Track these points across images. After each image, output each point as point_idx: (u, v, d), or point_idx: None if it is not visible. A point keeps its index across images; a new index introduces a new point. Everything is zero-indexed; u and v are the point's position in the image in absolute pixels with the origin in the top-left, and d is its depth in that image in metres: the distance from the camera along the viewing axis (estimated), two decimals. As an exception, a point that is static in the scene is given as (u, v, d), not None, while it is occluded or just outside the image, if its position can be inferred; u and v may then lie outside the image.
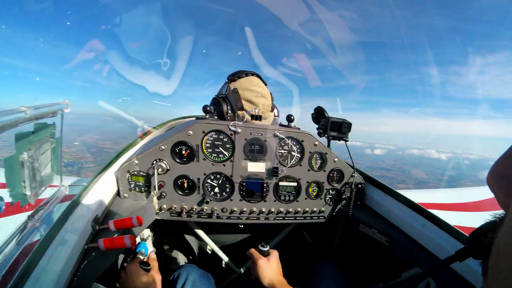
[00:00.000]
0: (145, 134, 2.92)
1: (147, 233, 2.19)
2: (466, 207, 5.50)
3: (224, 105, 2.14)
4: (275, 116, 2.33)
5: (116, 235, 1.52)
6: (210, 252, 2.70)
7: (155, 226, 2.66)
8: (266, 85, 2.30)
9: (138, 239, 2.04)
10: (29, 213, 1.26)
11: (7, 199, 1.01)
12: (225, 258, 2.61)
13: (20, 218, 1.22)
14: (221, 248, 2.64)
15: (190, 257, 3.01)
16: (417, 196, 5.53)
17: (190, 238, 2.96)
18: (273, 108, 2.31)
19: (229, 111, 2.16)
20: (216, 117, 2.14)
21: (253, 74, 2.29)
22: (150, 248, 2.13)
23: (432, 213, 1.92)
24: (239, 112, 2.14)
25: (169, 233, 3.03)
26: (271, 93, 2.28)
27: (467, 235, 1.66)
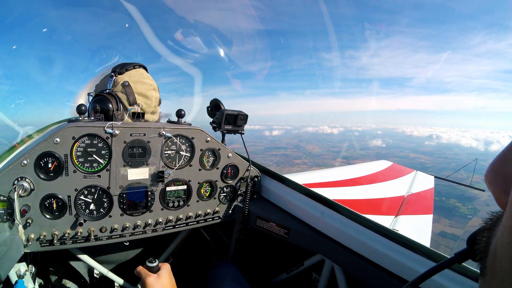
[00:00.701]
0: (21, 143, 2.50)
1: (23, 268, 1.84)
2: (360, 181, 6.03)
3: (112, 101, 1.89)
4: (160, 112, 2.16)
5: None
6: (98, 277, 2.43)
7: (33, 257, 2.25)
8: None
9: (14, 277, 1.73)
10: None
11: None
12: (118, 280, 2.37)
13: None
14: (112, 269, 2.38)
15: (82, 280, 2.66)
16: (311, 176, 5.84)
17: (77, 264, 2.60)
18: (160, 102, 2.15)
19: (120, 108, 1.91)
20: (92, 118, 1.84)
21: (140, 66, 2.10)
22: (30, 285, 1.84)
23: (331, 200, 1.92)
24: (132, 107, 1.92)
25: (53, 260, 2.59)
26: (157, 86, 2.12)
27: (364, 216, 1.73)
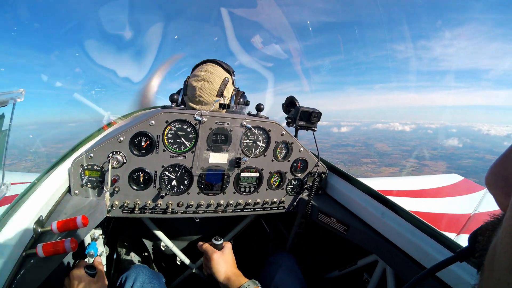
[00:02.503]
0: (109, 125, 2.83)
1: (98, 232, 2.12)
2: (425, 194, 5.74)
3: (184, 93, 2.14)
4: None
5: (59, 238, 1.43)
6: (164, 249, 2.67)
7: (108, 224, 2.58)
8: (230, 72, 2.24)
9: (88, 239, 1.98)
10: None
11: None
12: (179, 254, 2.58)
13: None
14: (176, 244, 2.60)
15: (145, 254, 2.98)
16: (380, 183, 5.72)
17: (144, 235, 2.91)
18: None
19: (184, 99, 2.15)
20: (182, 106, 2.08)
21: (211, 61, 2.26)
22: (100, 248, 2.09)
23: (392, 201, 1.95)
24: (186, 98, 2.13)
25: (122, 231, 2.95)
26: (228, 79, 2.19)
27: (426, 222, 1.72)
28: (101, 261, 1.81)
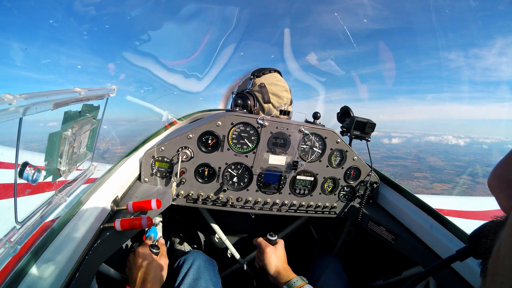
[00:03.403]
0: (171, 124, 3.06)
1: (158, 218, 2.28)
2: (478, 216, 5.44)
3: (250, 99, 2.26)
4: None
5: (132, 216, 1.57)
6: (217, 241, 2.77)
7: (166, 213, 2.75)
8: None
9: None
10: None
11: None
12: (231, 248, 2.68)
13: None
14: (229, 237, 2.71)
15: (196, 246, 3.12)
16: (430, 201, 5.45)
17: (198, 227, 3.09)
18: (291, 102, 2.43)
19: (256, 105, 2.28)
20: (244, 110, 2.20)
21: (275, 70, 2.43)
22: (159, 233, 2.23)
23: (441, 215, 1.94)
24: (266, 105, 2.27)
25: (178, 220, 3.14)
26: (289, 88, 2.41)
27: None
28: (164, 243, 1.92)
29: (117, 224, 1.43)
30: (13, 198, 1.02)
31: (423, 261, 1.94)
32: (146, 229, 1.92)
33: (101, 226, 1.44)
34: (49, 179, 1.20)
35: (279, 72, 2.49)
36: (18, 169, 1.00)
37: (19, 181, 1.02)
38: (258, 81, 2.35)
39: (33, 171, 1.03)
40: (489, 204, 6.02)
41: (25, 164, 1.02)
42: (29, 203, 1.16)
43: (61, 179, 1.30)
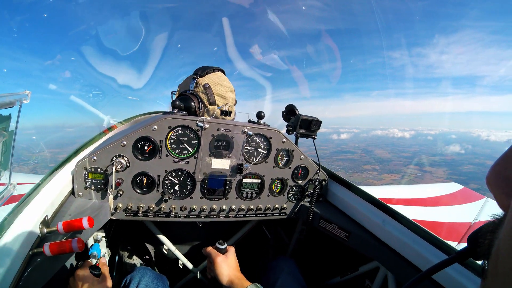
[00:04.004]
0: (109, 129, 2.85)
1: (101, 234, 2.12)
2: (427, 202, 5.77)
3: (194, 100, 2.15)
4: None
5: (64, 238, 1.45)
6: (166, 253, 2.69)
7: (110, 227, 2.60)
8: None
9: (91, 241, 1.98)
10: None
11: None
12: (182, 258, 2.60)
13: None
14: (178, 247, 2.62)
15: (147, 257, 2.98)
16: (380, 191, 5.72)
17: (146, 239, 2.95)
18: (236, 102, 2.37)
19: (201, 107, 2.17)
20: (184, 112, 2.09)
21: (219, 69, 2.35)
22: (103, 250, 2.08)
23: (393, 209, 1.97)
24: (211, 107, 2.17)
25: (125, 234, 2.96)
26: (234, 88, 2.35)
27: (426, 229, 1.70)
28: (106, 262, 1.82)
29: (46, 248, 1.30)
30: None
31: (378, 256, 1.97)
32: (90, 246, 1.82)
33: (30, 252, 1.31)
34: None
35: (223, 71, 2.41)
36: None
37: None
38: (202, 81, 2.24)
39: None
40: (437, 190, 6.42)
41: None
42: None
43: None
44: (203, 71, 2.29)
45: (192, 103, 2.15)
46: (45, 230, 1.44)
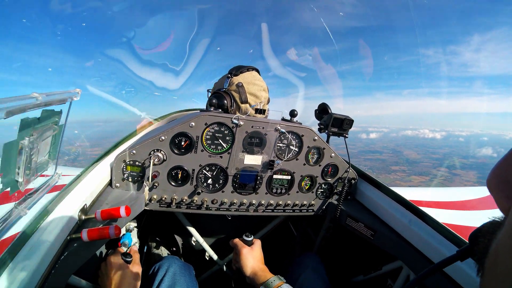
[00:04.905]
0: (145, 126, 3.01)
1: (133, 224, 2.19)
2: (457, 206, 5.53)
3: (227, 98, 2.20)
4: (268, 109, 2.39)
5: (101, 225, 1.51)
6: (194, 244, 2.75)
7: (142, 218, 2.69)
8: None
9: (123, 230, 2.03)
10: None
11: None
12: (208, 250, 2.64)
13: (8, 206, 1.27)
14: (206, 240, 2.67)
15: (174, 249, 3.06)
16: (408, 193, 5.50)
17: (175, 230, 3.04)
18: (269, 100, 2.40)
19: (233, 105, 2.23)
20: (220, 110, 2.14)
21: (253, 69, 2.38)
22: (134, 239, 2.15)
23: (420, 209, 1.95)
24: (243, 105, 2.21)
25: (154, 225, 3.07)
26: (267, 87, 2.38)
27: (454, 232, 1.67)
28: (137, 250, 1.87)
29: (84, 234, 1.37)
30: None
31: (402, 255, 1.95)
32: (121, 235, 1.88)
33: (68, 237, 1.38)
34: (7, 190, 1.13)
35: (257, 71, 2.44)
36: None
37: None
38: (236, 80, 2.29)
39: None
40: (467, 194, 6.16)
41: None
42: None
43: (21, 190, 1.23)
44: (237, 70, 2.33)
45: (225, 101, 2.20)
46: (83, 217, 1.52)
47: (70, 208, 1.46)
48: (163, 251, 2.94)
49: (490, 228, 0.65)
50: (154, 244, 2.97)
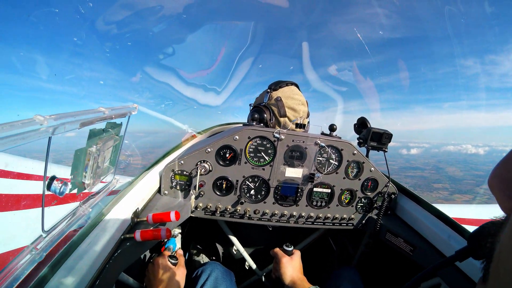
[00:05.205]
0: (190, 138, 3.17)
1: (177, 230, 2.32)
2: None
3: (267, 112, 2.28)
4: (307, 122, 2.46)
5: (152, 228, 1.62)
6: (235, 252, 2.81)
7: (185, 225, 2.80)
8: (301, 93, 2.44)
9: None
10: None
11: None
12: (248, 259, 2.71)
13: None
14: (246, 249, 2.73)
15: (214, 258, 3.17)
16: (451, 210, 5.35)
17: (216, 239, 3.13)
18: (308, 114, 2.45)
19: (272, 118, 2.30)
20: (262, 124, 2.25)
21: (292, 83, 2.45)
22: (178, 245, 2.27)
23: (460, 225, 1.92)
24: (281, 119, 2.28)
25: (196, 233, 3.19)
26: (306, 101, 2.44)
27: None
28: (182, 254, 1.96)
29: (137, 234, 1.48)
30: (41, 208, 1.11)
31: (441, 272, 1.91)
32: (165, 240, 1.99)
33: (122, 237, 1.49)
34: (74, 191, 1.28)
35: (296, 85, 2.51)
36: (47, 182, 1.09)
37: (47, 193, 1.10)
38: (275, 94, 2.37)
39: (60, 184, 1.11)
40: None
41: (53, 178, 1.10)
42: (55, 214, 1.22)
43: (85, 191, 1.39)
44: (276, 85, 2.41)
45: (265, 115, 2.28)
46: (135, 219, 1.64)
47: (124, 210, 1.58)
48: (204, 258, 3.06)
49: (491, 228, 0.65)
50: (195, 251, 3.10)
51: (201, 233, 3.21)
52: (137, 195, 1.78)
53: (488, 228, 0.68)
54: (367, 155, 2.41)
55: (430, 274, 0.98)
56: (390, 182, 2.36)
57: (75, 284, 1.10)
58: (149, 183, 1.98)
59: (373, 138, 2.37)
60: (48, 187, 1.10)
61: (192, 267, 2.88)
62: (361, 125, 2.52)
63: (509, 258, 0.42)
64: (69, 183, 1.19)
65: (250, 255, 2.77)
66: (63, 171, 1.23)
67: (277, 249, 2.08)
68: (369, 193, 2.38)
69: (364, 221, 2.46)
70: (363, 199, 2.40)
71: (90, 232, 1.37)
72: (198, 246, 3.17)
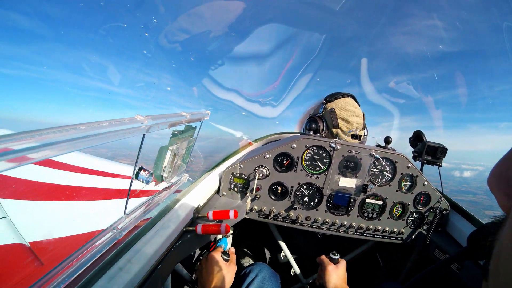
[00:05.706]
0: (244, 146, 3.32)
1: (230, 231, 2.55)
2: None
3: (320, 123, 2.36)
4: (364, 134, 2.48)
5: (211, 223, 1.72)
6: (282, 258, 2.85)
7: (237, 226, 2.87)
8: (359, 105, 2.48)
9: (219, 235, 2.24)
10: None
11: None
12: (294, 266, 2.75)
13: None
14: (293, 256, 2.79)
15: (260, 260, 3.19)
16: None
17: (264, 243, 3.22)
18: (364, 126, 2.48)
19: (325, 129, 2.37)
20: (318, 134, 2.32)
21: (348, 95, 2.49)
22: (229, 244, 2.37)
23: None
24: (334, 130, 2.34)
25: (247, 235, 3.30)
26: (363, 113, 2.46)
27: None
28: (234, 252, 2.02)
29: (199, 228, 1.60)
30: (125, 199, 1.28)
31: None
32: (218, 238, 2.10)
33: (184, 229, 1.61)
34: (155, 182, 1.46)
35: (353, 97, 2.55)
36: (135, 172, 1.30)
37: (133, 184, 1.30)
38: (329, 106, 2.43)
39: (147, 175, 1.33)
40: None
41: (141, 169, 1.32)
42: (135, 201, 1.40)
43: (163, 184, 1.60)
44: (331, 96, 2.49)
45: (319, 125, 2.37)
46: (197, 214, 1.77)
47: (188, 206, 1.72)
48: (251, 260, 3.17)
49: (490, 229, 0.63)
50: (243, 252, 3.22)
51: (251, 236, 3.32)
52: (199, 193, 1.93)
53: (489, 228, 0.68)
54: (421, 169, 2.40)
55: (429, 275, 0.98)
56: (443, 198, 2.34)
57: (141, 266, 1.20)
58: (209, 183, 2.13)
59: (428, 152, 2.36)
60: (136, 176, 1.30)
61: (240, 266, 3.00)
62: (417, 138, 2.52)
63: (508, 257, 0.42)
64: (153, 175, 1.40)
65: (296, 262, 2.83)
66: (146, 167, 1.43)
67: (323, 257, 2.11)
68: (420, 208, 2.36)
69: (413, 236, 2.44)
70: (414, 213, 2.38)
71: (159, 221, 1.51)
72: (247, 247, 3.28)
